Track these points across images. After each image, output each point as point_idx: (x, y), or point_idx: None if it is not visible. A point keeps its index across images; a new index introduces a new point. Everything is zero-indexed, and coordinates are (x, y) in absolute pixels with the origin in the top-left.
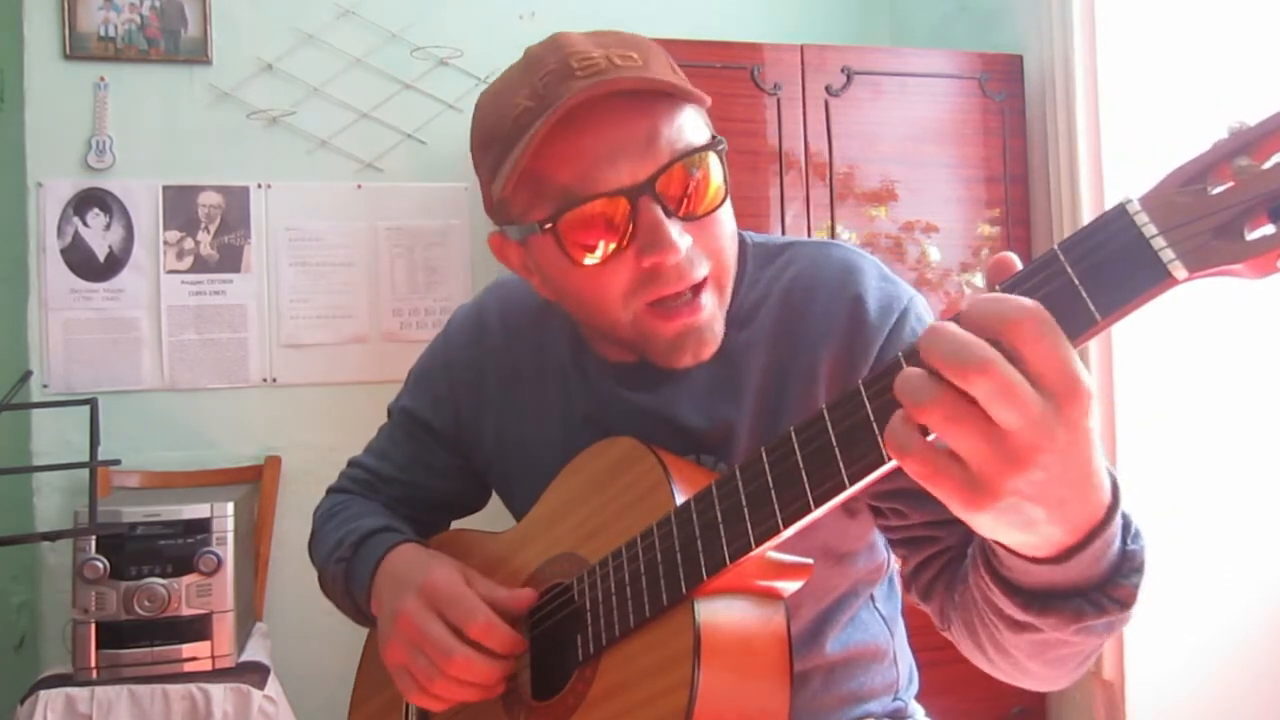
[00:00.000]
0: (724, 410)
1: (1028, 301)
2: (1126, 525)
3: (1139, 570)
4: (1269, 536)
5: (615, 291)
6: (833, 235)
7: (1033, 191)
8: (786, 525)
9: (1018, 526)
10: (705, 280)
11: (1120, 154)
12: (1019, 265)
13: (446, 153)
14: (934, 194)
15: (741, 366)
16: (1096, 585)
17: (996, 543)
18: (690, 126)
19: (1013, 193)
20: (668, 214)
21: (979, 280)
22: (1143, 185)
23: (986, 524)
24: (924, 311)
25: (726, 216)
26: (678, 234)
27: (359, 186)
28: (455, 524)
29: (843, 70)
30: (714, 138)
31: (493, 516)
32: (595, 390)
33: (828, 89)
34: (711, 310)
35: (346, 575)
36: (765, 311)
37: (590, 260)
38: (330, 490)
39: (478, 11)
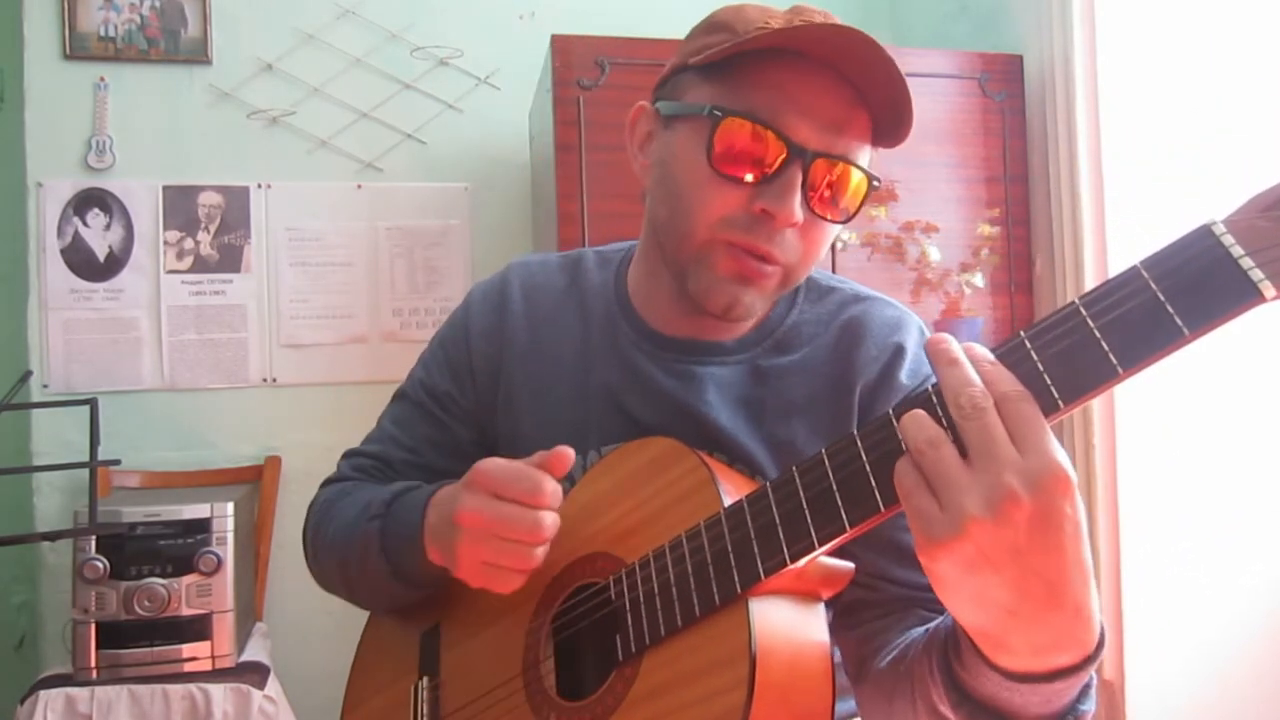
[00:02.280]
0: (744, 420)
1: (1021, 387)
2: (1086, 684)
3: None
4: (1269, 537)
5: (714, 210)
6: (856, 211)
7: (1033, 191)
8: (853, 526)
9: (976, 597)
10: (781, 266)
11: (1120, 154)
12: (951, 348)
13: (446, 153)
14: (934, 194)
15: (771, 389)
16: None
17: (965, 633)
18: (867, 156)
19: (1013, 193)
20: (802, 187)
21: (979, 280)
22: (1222, 210)
23: (949, 578)
24: None
25: (829, 235)
26: (799, 208)
27: (359, 186)
28: None
29: None
30: (876, 180)
31: None
32: (622, 360)
33: None
34: (769, 288)
35: (383, 531)
36: (811, 350)
37: (721, 166)
38: (327, 481)
39: (478, 11)
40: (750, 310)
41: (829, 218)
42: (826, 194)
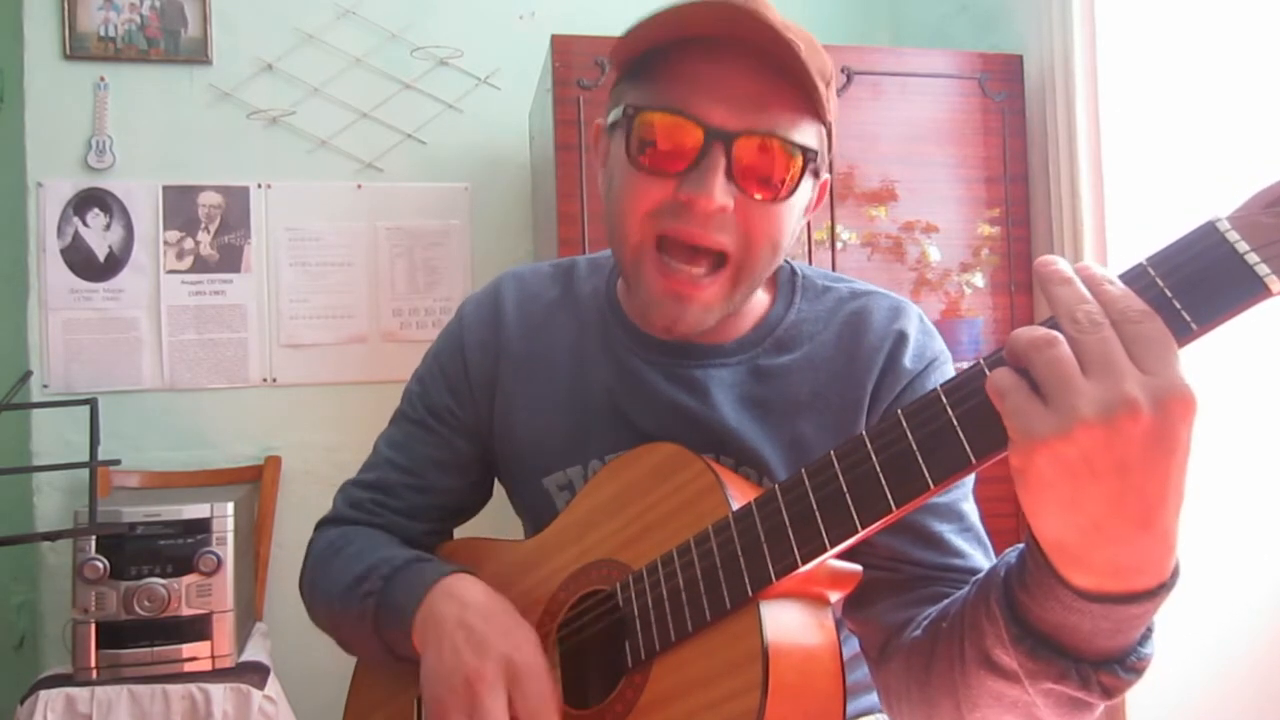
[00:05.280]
0: (751, 420)
1: (1145, 306)
2: (1149, 628)
3: (1137, 673)
4: (1270, 538)
5: (643, 205)
6: (832, 235)
7: (1033, 191)
8: (865, 527)
9: (1065, 503)
10: (724, 259)
11: (1120, 154)
12: (1062, 267)
13: (446, 153)
14: (934, 194)
15: (775, 389)
16: (1096, 659)
17: (1040, 548)
18: (805, 131)
19: (1013, 193)
20: (727, 173)
21: (979, 280)
22: (1225, 207)
23: (1041, 480)
24: (950, 369)
25: (778, 218)
26: (722, 191)
27: (359, 186)
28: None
29: (843, 70)
30: (813, 153)
31: (490, 519)
32: (619, 367)
33: None
34: (713, 296)
35: (377, 609)
36: (812, 348)
37: (643, 160)
38: (323, 522)
39: (478, 11)
40: (699, 324)
41: (760, 196)
42: (755, 174)
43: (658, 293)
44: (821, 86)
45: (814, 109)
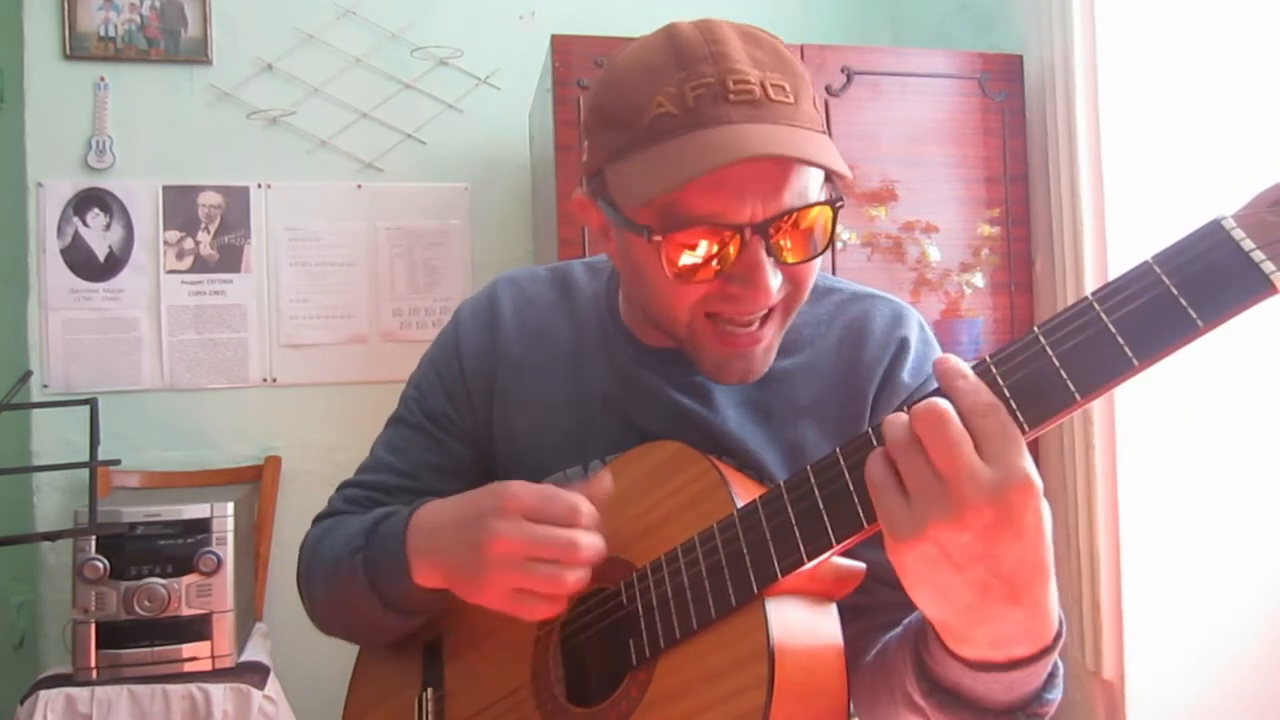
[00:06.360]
0: (752, 424)
1: (992, 400)
2: (1052, 674)
3: (1040, 718)
4: (1269, 535)
5: (690, 298)
6: (833, 235)
7: (1033, 191)
8: (870, 523)
9: (938, 593)
10: (773, 309)
11: (1120, 154)
12: (961, 368)
13: (446, 153)
14: (934, 194)
15: (776, 393)
16: (1000, 710)
17: (930, 623)
18: (816, 175)
19: (1013, 193)
20: (769, 254)
21: (979, 280)
22: (1226, 207)
23: (912, 572)
24: None
25: (816, 263)
26: (772, 275)
27: (359, 186)
28: None
29: (843, 70)
30: (835, 193)
31: None
32: (620, 372)
33: (828, 89)
34: (769, 340)
35: (366, 562)
36: (814, 352)
37: (681, 273)
38: (318, 518)
39: (478, 11)
40: (766, 363)
41: (806, 260)
42: (794, 244)
43: (722, 355)
44: (821, 120)
45: (823, 167)
